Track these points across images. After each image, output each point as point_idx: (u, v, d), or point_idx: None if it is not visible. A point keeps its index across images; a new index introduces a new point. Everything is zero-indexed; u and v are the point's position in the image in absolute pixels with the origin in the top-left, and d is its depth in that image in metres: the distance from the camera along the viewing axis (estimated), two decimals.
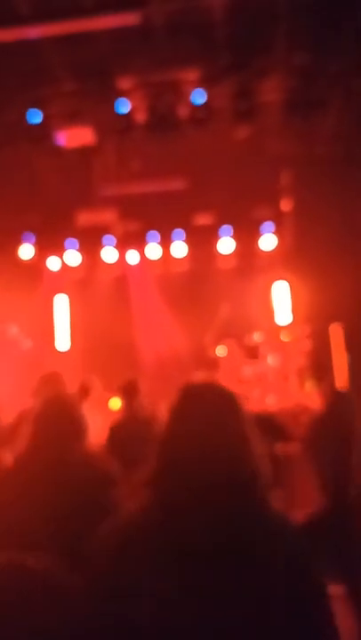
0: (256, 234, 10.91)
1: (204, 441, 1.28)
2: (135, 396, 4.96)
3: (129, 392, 5.04)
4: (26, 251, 11.10)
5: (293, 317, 9.67)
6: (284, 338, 9.21)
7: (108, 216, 8.54)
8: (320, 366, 9.12)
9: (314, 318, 9.06)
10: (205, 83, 7.28)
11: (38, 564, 1.11)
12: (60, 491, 2.14)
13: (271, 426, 5.37)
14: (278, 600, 1.19)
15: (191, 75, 7.25)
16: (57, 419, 2.40)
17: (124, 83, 7.38)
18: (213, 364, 9.75)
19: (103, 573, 1.27)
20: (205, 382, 1.48)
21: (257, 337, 9.48)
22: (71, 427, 2.43)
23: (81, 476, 2.28)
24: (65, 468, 2.26)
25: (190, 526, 1.22)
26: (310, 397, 8.71)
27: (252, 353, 9.62)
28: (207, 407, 1.33)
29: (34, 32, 6.16)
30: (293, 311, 9.86)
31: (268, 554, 1.23)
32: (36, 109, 7.41)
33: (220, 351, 9.53)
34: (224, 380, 9.28)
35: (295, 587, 1.22)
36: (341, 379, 8.91)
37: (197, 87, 7.29)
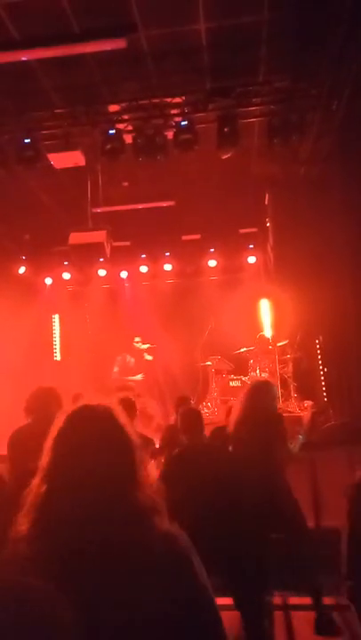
0: (241, 251, 10.86)
1: (89, 468, 1.27)
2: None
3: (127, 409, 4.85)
4: (21, 268, 10.95)
5: (279, 331, 9.54)
6: (271, 351, 9.08)
7: (99, 234, 8.40)
8: (305, 377, 9.00)
9: (298, 332, 8.95)
10: (191, 106, 7.22)
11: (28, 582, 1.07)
12: None
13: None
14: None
15: (177, 99, 7.19)
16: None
17: (113, 106, 7.29)
18: (203, 376, 9.59)
19: None
20: (90, 408, 1.39)
21: (244, 350, 9.36)
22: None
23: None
24: None
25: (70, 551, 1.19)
26: (295, 406, 8.55)
27: (240, 366, 9.48)
28: (91, 434, 1.33)
29: (25, 55, 6.05)
30: (279, 325, 9.74)
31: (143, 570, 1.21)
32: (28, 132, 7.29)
33: (209, 364, 9.37)
34: (213, 391, 9.11)
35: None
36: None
37: (183, 111, 7.22)
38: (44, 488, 1.29)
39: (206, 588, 1.30)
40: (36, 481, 1.32)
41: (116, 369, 10.02)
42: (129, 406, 4.15)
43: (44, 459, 1.33)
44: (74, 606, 1.06)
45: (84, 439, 1.32)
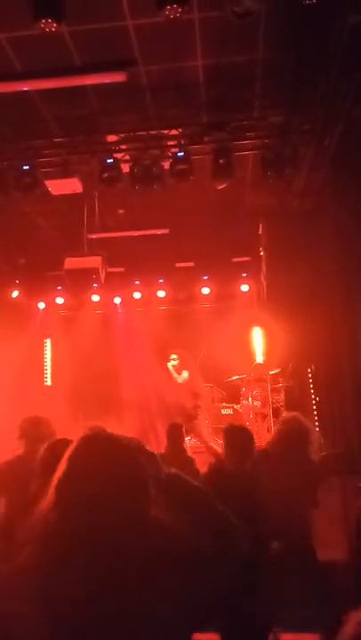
0: (234, 279, 10.98)
1: (98, 494, 1.27)
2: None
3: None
4: (15, 292, 10.97)
5: (271, 359, 9.57)
6: (263, 379, 9.08)
7: (94, 260, 8.48)
8: (298, 406, 8.98)
9: (290, 361, 8.99)
10: (187, 138, 7.41)
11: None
12: None
13: None
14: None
15: (174, 131, 7.38)
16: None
17: (111, 136, 7.46)
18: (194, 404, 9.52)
19: None
20: (103, 434, 1.41)
21: (236, 378, 9.36)
22: None
23: None
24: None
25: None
26: None
27: (232, 394, 9.46)
28: (103, 460, 1.33)
29: (26, 86, 6.21)
30: (271, 353, 9.77)
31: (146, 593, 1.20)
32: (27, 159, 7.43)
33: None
34: (205, 419, 9.05)
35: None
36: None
37: (180, 142, 7.41)
38: (50, 508, 1.30)
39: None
40: (45, 501, 1.33)
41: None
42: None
43: (55, 480, 1.33)
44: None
45: (97, 466, 1.32)
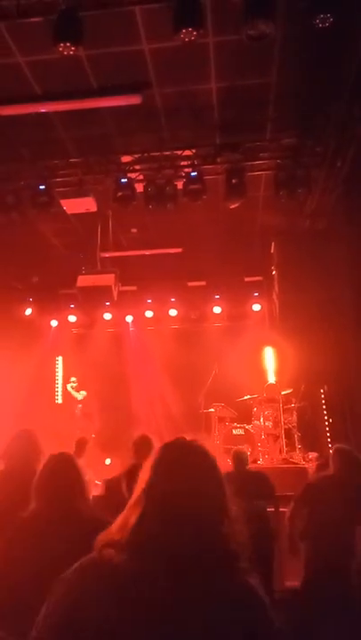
0: (246, 298, 10.96)
1: (184, 497, 1.30)
2: None
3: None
4: (28, 310, 11.06)
5: (282, 380, 9.47)
6: (275, 399, 8.97)
7: (107, 278, 8.54)
8: (310, 427, 8.85)
9: (302, 381, 8.88)
10: (200, 159, 7.50)
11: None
12: (70, 547, 1.97)
13: (261, 485, 5.05)
14: None
15: (188, 151, 7.47)
16: (65, 479, 2.39)
17: (126, 157, 7.57)
18: (205, 422, 9.43)
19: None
20: (185, 441, 1.45)
21: (248, 398, 9.26)
22: (77, 485, 2.41)
23: (91, 532, 2.07)
24: (75, 525, 2.20)
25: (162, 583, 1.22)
26: (300, 457, 8.36)
27: (244, 414, 9.34)
28: (186, 465, 1.37)
29: (44, 108, 6.35)
30: (282, 374, 9.67)
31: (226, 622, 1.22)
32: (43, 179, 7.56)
33: (212, 411, 9.24)
34: (216, 439, 8.94)
35: None
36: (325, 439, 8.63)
37: (193, 163, 7.49)
38: (138, 512, 1.33)
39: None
40: (130, 504, 1.36)
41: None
42: None
43: (140, 485, 1.37)
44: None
45: (180, 470, 1.36)
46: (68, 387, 10.08)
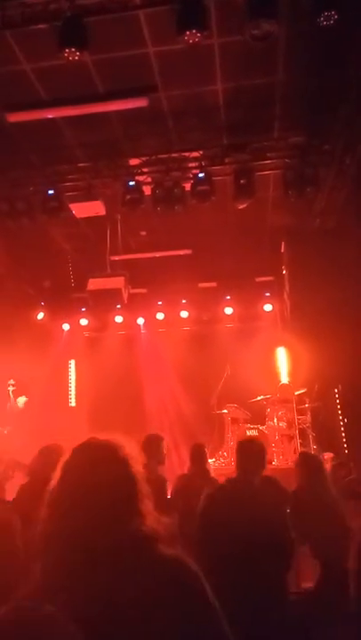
0: (258, 298, 10.91)
1: (81, 496, 1.31)
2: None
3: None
4: (40, 314, 11.16)
5: (296, 380, 9.41)
6: (289, 399, 8.92)
7: (117, 280, 8.58)
8: (324, 427, 8.78)
9: (316, 381, 8.82)
10: (208, 160, 7.50)
11: (44, 611, 1.10)
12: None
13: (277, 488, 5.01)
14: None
15: (195, 153, 7.48)
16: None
17: (134, 160, 7.61)
18: (219, 424, 9.42)
19: None
20: (94, 440, 1.46)
21: (261, 398, 9.22)
22: None
23: None
24: None
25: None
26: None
27: (257, 414, 9.31)
28: (89, 464, 1.38)
29: (52, 114, 6.41)
30: (296, 374, 9.62)
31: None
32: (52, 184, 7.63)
33: (225, 412, 9.23)
34: (230, 440, 8.92)
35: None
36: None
37: (201, 164, 7.50)
38: (48, 513, 1.33)
39: (217, 614, 1.27)
40: (43, 508, 1.37)
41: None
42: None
43: (53, 488, 1.37)
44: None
45: (86, 469, 1.37)
46: (9, 389, 8.98)
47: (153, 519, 1.35)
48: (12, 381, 8.98)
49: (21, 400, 8.98)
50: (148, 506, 1.37)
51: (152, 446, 4.49)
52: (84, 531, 1.26)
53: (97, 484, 1.32)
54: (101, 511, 1.29)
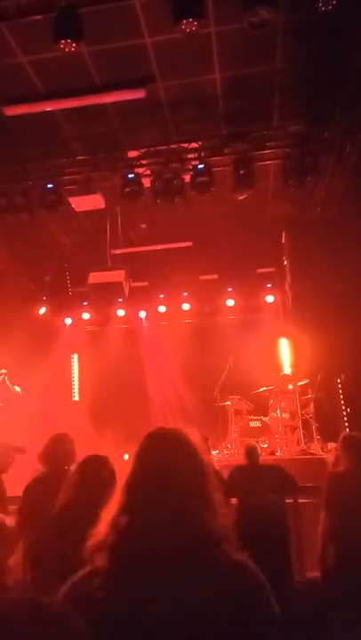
0: (259, 290, 10.89)
1: (161, 487, 1.29)
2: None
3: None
4: (42, 309, 11.15)
5: (298, 370, 9.41)
6: (291, 390, 8.92)
7: (118, 274, 8.56)
8: (328, 418, 8.78)
9: (319, 371, 8.81)
10: (207, 151, 7.45)
11: (50, 602, 1.08)
12: None
13: (282, 477, 5.02)
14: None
15: (194, 144, 7.43)
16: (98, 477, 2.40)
17: (132, 152, 7.56)
18: (222, 416, 9.43)
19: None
20: (164, 430, 1.45)
21: (264, 390, 9.21)
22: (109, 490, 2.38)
23: None
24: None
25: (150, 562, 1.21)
26: (318, 448, 8.31)
27: (260, 406, 9.31)
28: (165, 455, 1.36)
29: (49, 106, 6.36)
30: (298, 364, 9.61)
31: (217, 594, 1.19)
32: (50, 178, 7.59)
33: (228, 404, 9.23)
34: (233, 432, 8.94)
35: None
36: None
37: (200, 155, 7.45)
38: (117, 506, 1.32)
39: (273, 621, 1.26)
40: (115, 498, 1.35)
41: None
42: None
43: (122, 478, 1.36)
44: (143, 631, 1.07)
45: (162, 459, 1.35)
46: (4, 378, 8.82)
47: (223, 514, 1.33)
48: (4, 370, 8.87)
49: (17, 388, 8.95)
50: (219, 498, 1.34)
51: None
52: (162, 522, 1.24)
53: (174, 474, 1.31)
54: (179, 502, 1.27)
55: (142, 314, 11.53)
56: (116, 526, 1.29)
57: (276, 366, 10.10)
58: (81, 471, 2.58)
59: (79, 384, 11.95)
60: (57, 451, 3.67)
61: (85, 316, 11.43)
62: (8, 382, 8.90)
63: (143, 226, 9.46)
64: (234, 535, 1.32)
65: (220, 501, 1.34)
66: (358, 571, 3.12)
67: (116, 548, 1.26)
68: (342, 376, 8.88)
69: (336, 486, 3.58)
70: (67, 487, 2.56)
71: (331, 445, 8.28)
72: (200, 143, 7.42)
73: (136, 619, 1.15)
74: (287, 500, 4.98)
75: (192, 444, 1.39)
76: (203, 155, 7.43)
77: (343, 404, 8.84)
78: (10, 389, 8.84)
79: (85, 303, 11.03)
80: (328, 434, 8.71)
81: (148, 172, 7.57)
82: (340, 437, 3.83)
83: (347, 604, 3.02)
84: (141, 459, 1.37)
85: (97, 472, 2.47)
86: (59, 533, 2.38)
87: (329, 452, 8.02)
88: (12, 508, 4.11)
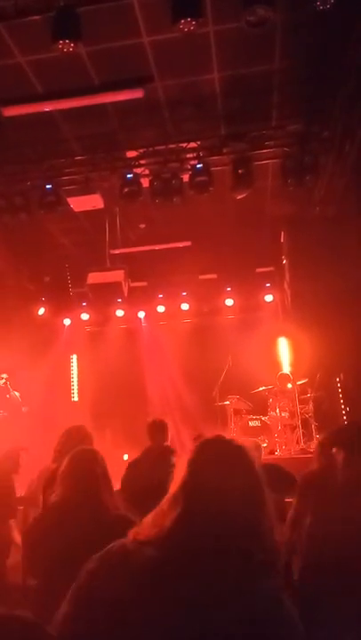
0: (258, 289, 10.89)
1: (221, 493, 1.30)
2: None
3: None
4: (41, 310, 11.14)
5: (298, 370, 9.41)
6: (290, 389, 8.91)
7: (117, 274, 8.56)
8: (327, 417, 8.78)
9: (318, 370, 8.81)
10: (206, 150, 7.44)
11: (29, 617, 1.10)
12: (90, 533, 2.06)
13: (280, 476, 5.01)
14: None
15: (193, 143, 7.42)
16: (89, 474, 2.42)
17: (131, 152, 7.55)
18: (221, 415, 9.43)
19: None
20: (224, 439, 1.45)
21: (263, 389, 9.21)
22: (103, 481, 2.43)
23: (114, 525, 2.09)
24: (101, 526, 2.20)
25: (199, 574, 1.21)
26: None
27: (259, 405, 9.31)
28: (226, 463, 1.36)
29: (47, 107, 6.35)
30: (297, 363, 9.61)
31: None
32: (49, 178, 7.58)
33: (227, 403, 9.23)
34: (232, 431, 8.93)
35: None
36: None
37: (198, 154, 7.44)
38: (177, 510, 1.31)
39: None
40: (166, 502, 1.35)
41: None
42: None
43: (177, 482, 1.36)
44: None
45: (220, 470, 1.35)
46: (6, 383, 8.79)
47: (278, 533, 1.33)
48: (4, 375, 8.85)
49: (16, 393, 8.92)
50: (271, 517, 1.34)
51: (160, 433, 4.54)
52: (215, 533, 1.24)
53: (231, 488, 1.30)
54: (234, 517, 1.27)
55: (141, 314, 11.53)
56: (176, 526, 1.29)
57: (276, 365, 10.10)
58: (73, 465, 2.57)
59: (78, 384, 11.95)
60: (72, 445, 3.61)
61: (84, 316, 11.42)
62: (9, 387, 8.90)
63: (142, 226, 9.45)
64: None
65: (273, 521, 1.34)
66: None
67: (170, 544, 1.28)
68: (341, 375, 8.88)
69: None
70: (60, 480, 2.55)
71: None
72: (199, 143, 7.41)
73: (159, 609, 1.18)
74: (287, 500, 4.98)
75: (250, 455, 1.38)
76: (201, 154, 7.42)
77: (342, 403, 8.84)
78: (11, 394, 8.84)
79: (84, 303, 11.03)
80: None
81: (147, 171, 7.56)
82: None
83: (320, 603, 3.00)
84: (200, 467, 1.35)
85: (89, 464, 2.47)
86: (58, 527, 2.37)
87: None
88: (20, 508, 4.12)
